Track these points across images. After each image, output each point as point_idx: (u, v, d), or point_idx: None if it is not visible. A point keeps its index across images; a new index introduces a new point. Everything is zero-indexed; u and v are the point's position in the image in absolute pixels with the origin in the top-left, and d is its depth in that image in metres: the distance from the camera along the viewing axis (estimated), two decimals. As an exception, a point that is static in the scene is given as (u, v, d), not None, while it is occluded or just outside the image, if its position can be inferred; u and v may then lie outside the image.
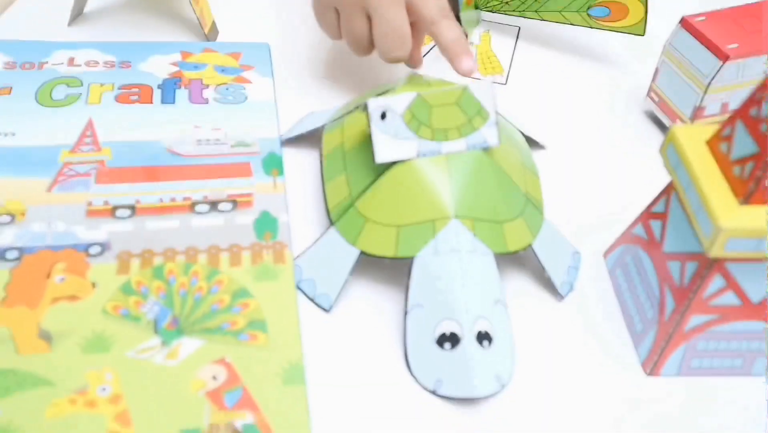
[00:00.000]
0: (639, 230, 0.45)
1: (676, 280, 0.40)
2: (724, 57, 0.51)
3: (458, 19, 0.61)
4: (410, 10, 0.49)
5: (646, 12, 0.60)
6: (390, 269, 0.45)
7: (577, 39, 0.66)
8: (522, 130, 0.53)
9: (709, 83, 0.52)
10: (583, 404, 0.40)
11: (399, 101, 0.43)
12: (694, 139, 0.40)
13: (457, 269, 0.41)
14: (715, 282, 0.38)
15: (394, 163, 0.43)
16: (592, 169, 0.54)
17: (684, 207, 0.39)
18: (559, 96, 0.60)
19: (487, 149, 0.44)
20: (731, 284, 0.39)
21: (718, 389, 0.41)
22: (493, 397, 0.40)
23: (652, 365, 0.42)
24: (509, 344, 0.41)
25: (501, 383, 0.39)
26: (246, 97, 0.54)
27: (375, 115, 0.42)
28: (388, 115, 0.42)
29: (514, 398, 0.40)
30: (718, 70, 0.51)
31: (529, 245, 0.44)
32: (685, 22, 0.53)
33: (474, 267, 0.41)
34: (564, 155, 0.55)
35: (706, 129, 0.40)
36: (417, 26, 0.51)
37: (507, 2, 0.64)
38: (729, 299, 0.39)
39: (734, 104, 0.54)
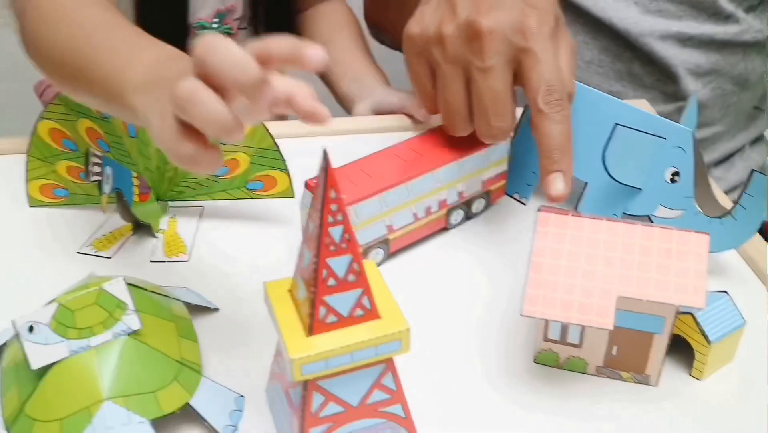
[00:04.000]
0: (275, 366, 0.54)
1: (294, 403, 0.50)
2: (335, 208, 0.63)
3: (130, 214, 0.71)
4: (519, 75, 0.43)
5: (290, 180, 0.73)
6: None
7: (249, 208, 0.77)
8: (190, 301, 0.62)
9: (333, 230, 0.64)
10: None
11: (42, 314, 0.51)
12: (280, 289, 0.51)
13: (113, 444, 0.48)
14: (316, 399, 0.48)
15: (52, 365, 0.50)
16: (259, 325, 0.63)
17: (282, 346, 0.50)
18: (235, 262, 0.71)
19: (132, 333, 0.52)
20: (330, 397, 0.49)
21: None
22: None
23: (296, 478, 0.50)
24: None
25: None
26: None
27: (23, 331, 0.50)
28: (35, 327, 0.50)
29: None
30: (334, 219, 0.64)
31: (187, 403, 0.52)
32: (308, 185, 0.66)
33: (130, 437, 0.49)
34: (234, 314, 0.65)
35: (291, 280, 0.51)
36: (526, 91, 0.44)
37: (181, 192, 0.75)
38: (333, 408, 0.49)
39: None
